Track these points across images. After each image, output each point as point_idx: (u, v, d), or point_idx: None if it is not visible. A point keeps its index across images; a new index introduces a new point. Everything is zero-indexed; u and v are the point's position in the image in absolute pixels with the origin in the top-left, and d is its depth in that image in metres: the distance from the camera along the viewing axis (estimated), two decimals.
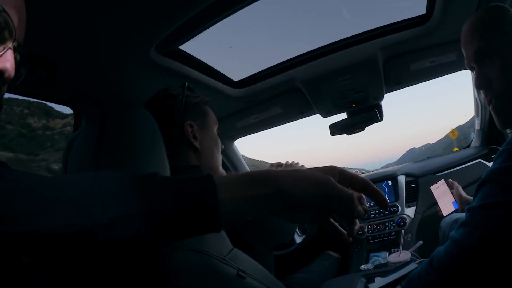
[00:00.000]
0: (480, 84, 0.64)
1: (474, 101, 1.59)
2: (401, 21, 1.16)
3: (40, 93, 0.94)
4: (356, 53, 1.17)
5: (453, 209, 1.13)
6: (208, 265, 0.46)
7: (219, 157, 0.78)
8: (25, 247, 0.26)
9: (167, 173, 0.55)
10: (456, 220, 1.08)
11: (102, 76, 0.94)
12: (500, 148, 0.54)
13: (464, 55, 0.67)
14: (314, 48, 1.19)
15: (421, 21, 1.12)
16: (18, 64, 0.36)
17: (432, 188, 1.24)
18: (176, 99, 0.72)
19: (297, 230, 1.68)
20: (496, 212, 0.49)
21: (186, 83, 0.77)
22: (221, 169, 0.79)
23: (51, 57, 0.79)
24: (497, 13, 0.63)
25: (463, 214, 1.11)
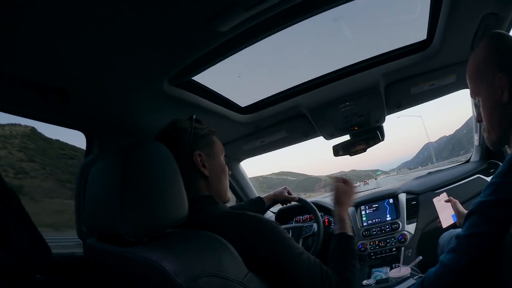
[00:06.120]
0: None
1: (474, 118, 1.62)
2: (403, 47, 1.17)
3: (55, 119, 0.99)
4: (359, 80, 1.20)
5: (452, 222, 1.17)
6: None
7: (226, 183, 0.83)
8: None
9: (186, 202, 0.60)
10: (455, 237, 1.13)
11: (114, 106, 0.98)
12: (496, 167, 0.61)
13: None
14: (319, 75, 1.22)
15: (422, 46, 1.14)
16: None
17: (434, 200, 1.28)
18: (185, 132, 0.75)
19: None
20: (481, 241, 0.56)
21: (194, 116, 0.80)
22: (228, 194, 0.84)
23: (64, 87, 0.83)
24: None
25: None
